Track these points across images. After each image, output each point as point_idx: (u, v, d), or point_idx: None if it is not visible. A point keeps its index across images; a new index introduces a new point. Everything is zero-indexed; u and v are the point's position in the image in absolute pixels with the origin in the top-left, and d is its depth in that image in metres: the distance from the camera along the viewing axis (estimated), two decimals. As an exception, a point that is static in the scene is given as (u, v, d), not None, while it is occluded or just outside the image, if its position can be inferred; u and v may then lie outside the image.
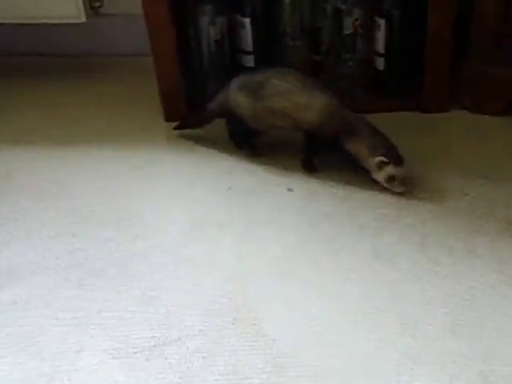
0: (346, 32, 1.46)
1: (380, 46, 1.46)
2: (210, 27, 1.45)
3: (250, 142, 1.30)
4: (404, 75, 1.47)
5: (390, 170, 1.11)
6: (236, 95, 1.24)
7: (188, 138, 1.38)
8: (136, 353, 0.82)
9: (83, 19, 1.62)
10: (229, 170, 1.26)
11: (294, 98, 1.19)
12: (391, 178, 1.12)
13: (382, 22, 1.43)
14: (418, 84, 1.44)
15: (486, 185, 1.16)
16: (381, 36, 1.44)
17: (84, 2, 1.61)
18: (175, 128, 1.38)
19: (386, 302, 0.89)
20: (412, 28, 1.41)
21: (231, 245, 1.03)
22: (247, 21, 1.44)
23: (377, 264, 0.97)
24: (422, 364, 0.79)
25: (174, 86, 1.43)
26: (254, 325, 0.85)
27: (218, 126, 1.33)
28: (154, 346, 0.83)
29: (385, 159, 1.11)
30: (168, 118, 1.46)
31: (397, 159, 1.11)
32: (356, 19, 1.45)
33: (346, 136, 1.15)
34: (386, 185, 1.13)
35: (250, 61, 1.50)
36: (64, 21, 1.62)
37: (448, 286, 0.92)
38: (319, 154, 1.23)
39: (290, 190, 1.19)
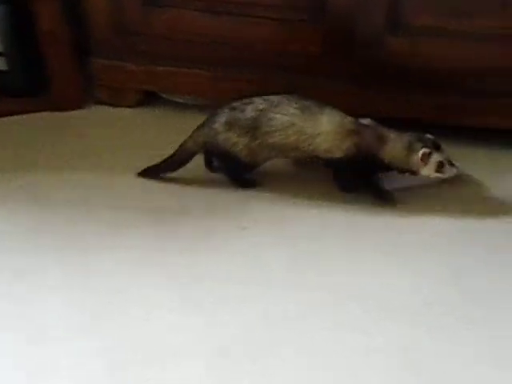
0: None
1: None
2: None
3: (245, 175, 1.15)
4: (30, 74, 1.35)
5: (436, 157, 1.07)
6: (228, 135, 1.08)
7: None
8: None
9: None
10: None
11: (299, 130, 1.07)
12: (440, 165, 1.07)
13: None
14: (47, 82, 1.34)
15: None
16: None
17: None
18: (140, 174, 1.15)
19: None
20: (30, 25, 1.29)
21: None
22: None
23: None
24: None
25: None
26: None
27: None
28: None
29: (427, 150, 1.06)
30: None
31: (435, 145, 1.08)
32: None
33: (378, 147, 1.07)
34: (437, 175, 1.08)
35: None
36: None
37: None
38: (370, 177, 1.11)
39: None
